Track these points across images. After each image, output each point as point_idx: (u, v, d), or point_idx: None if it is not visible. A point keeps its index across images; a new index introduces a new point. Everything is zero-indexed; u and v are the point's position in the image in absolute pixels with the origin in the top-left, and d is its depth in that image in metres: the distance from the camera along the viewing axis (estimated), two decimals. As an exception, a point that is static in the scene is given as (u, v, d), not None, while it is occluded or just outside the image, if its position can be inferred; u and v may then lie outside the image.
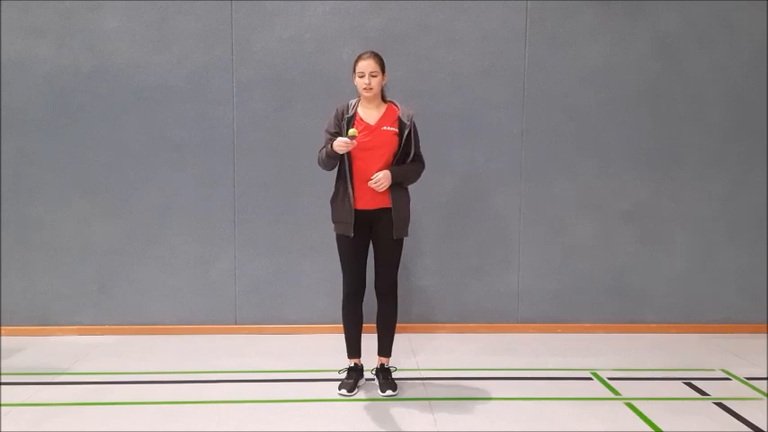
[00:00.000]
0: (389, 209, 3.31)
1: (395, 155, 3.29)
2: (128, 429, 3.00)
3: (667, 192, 4.47)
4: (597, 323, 4.51)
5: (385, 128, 3.28)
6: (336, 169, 3.35)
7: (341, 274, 3.32)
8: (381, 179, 3.22)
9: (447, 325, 4.47)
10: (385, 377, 3.47)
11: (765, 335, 4.45)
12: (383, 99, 3.37)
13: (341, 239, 3.38)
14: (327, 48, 4.29)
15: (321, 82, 4.30)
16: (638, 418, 3.15)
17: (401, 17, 4.30)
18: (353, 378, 3.47)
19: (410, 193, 3.42)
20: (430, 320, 4.48)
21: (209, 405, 3.27)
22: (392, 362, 3.90)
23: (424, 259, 4.44)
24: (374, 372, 3.54)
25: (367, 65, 3.23)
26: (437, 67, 4.33)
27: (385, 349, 3.52)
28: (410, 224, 3.42)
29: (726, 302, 4.53)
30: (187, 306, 4.39)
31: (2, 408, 3.19)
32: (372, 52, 3.28)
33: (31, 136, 4.24)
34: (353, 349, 3.51)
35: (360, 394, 3.42)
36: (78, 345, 4.16)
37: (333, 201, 3.39)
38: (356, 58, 3.28)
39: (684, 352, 4.15)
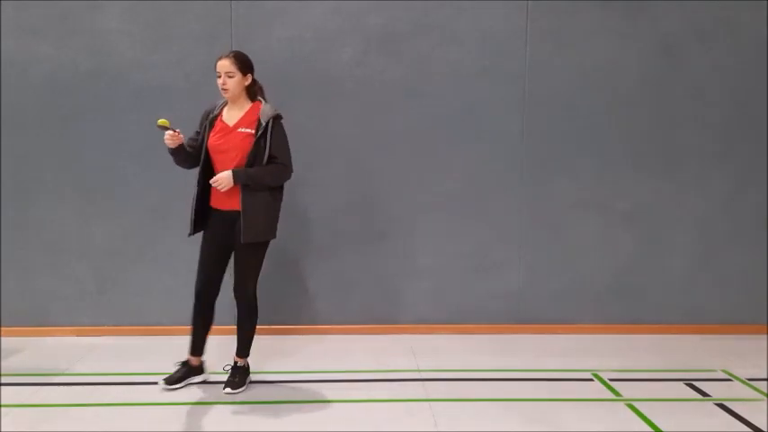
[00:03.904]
0: (239, 211, 3.24)
1: (248, 156, 3.23)
2: (127, 430, 3.00)
3: (668, 192, 4.46)
4: (598, 324, 4.50)
5: (241, 129, 3.25)
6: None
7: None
8: (218, 179, 3.17)
9: (447, 325, 4.46)
10: (233, 374, 3.47)
11: (766, 335, 4.44)
12: (253, 98, 3.35)
13: (202, 242, 3.40)
14: (327, 48, 4.28)
15: (321, 82, 4.29)
16: (638, 418, 3.15)
17: (401, 16, 4.29)
18: (180, 373, 3.48)
19: (277, 197, 3.41)
20: (430, 320, 4.47)
21: (209, 405, 3.27)
22: (392, 361, 3.91)
23: (424, 259, 4.43)
24: (226, 368, 3.56)
25: (222, 65, 3.23)
26: (437, 67, 4.33)
27: (241, 351, 3.50)
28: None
29: (727, 303, 4.52)
30: (186, 307, 4.35)
31: (1, 408, 3.18)
32: (233, 52, 3.29)
33: (31, 136, 4.23)
34: (193, 346, 3.50)
35: (356, 395, 3.40)
36: (77, 345, 4.15)
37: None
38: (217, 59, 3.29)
39: (685, 353, 4.14)
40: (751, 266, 4.51)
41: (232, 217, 3.27)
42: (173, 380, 3.45)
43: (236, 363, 3.50)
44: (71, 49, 4.19)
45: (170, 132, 3.19)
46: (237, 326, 3.47)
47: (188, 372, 3.51)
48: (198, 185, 3.31)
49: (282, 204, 4.39)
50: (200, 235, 3.31)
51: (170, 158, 3.38)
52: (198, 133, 3.34)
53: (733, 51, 4.38)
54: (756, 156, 4.46)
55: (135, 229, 4.33)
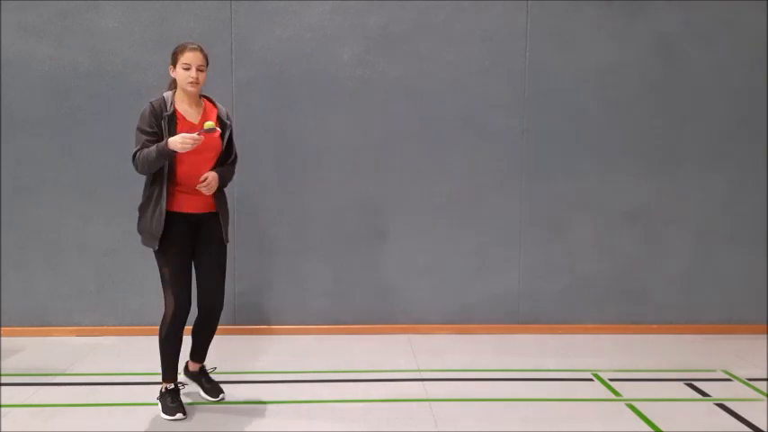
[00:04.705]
0: (215, 213, 3.14)
1: (221, 156, 3.10)
2: (127, 430, 3.00)
3: (668, 192, 4.46)
4: (598, 324, 4.50)
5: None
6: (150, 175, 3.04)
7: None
8: (211, 181, 3.00)
9: (447, 325, 4.46)
10: (209, 380, 3.36)
11: (766, 335, 4.44)
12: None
13: (167, 252, 3.04)
14: (327, 47, 4.28)
15: (321, 82, 4.29)
16: (639, 419, 3.14)
17: (401, 16, 4.29)
18: (179, 399, 3.17)
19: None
20: (430, 320, 4.47)
21: (208, 405, 3.27)
22: (392, 361, 3.91)
23: (424, 259, 4.43)
24: (190, 376, 3.37)
25: (195, 57, 2.98)
26: (437, 67, 4.32)
27: (205, 355, 3.36)
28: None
29: (727, 303, 4.52)
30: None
31: (1, 408, 3.18)
32: (199, 45, 3.04)
33: (30, 136, 4.22)
34: (176, 370, 3.18)
35: (361, 395, 3.40)
36: (77, 345, 4.15)
37: (141, 209, 3.11)
38: (179, 48, 3.00)
39: (685, 353, 4.14)
40: (751, 266, 4.51)
41: (197, 219, 3.10)
42: (183, 407, 3.14)
43: (203, 368, 3.38)
44: (71, 49, 4.19)
45: (197, 137, 2.90)
46: (205, 336, 3.29)
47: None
48: (157, 190, 3.01)
49: (283, 204, 4.41)
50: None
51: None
52: (150, 134, 2.97)
53: (733, 51, 4.38)
54: (756, 156, 4.46)
55: (135, 229, 4.31)
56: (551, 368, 3.81)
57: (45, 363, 3.83)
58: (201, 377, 3.38)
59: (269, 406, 3.26)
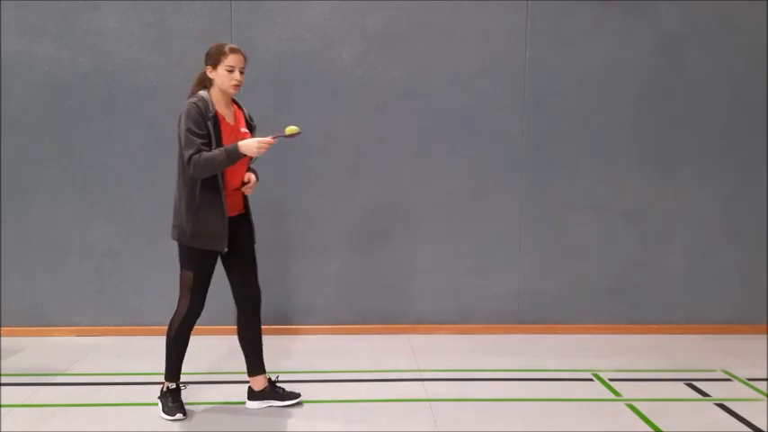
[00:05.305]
0: (244, 214, 3.15)
1: (253, 158, 3.05)
2: (127, 430, 3.00)
3: (668, 192, 4.46)
4: (598, 324, 4.50)
5: (243, 129, 3.08)
6: (186, 178, 2.98)
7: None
8: (255, 182, 3.09)
9: (447, 325, 4.46)
10: (281, 387, 3.28)
11: (766, 335, 4.44)
12: None
13: (203, 256, 3.03)
14: (327, 47, 4.28)
15: (321, 82, 4.29)
16: (638, 419, 3.14)
17: (401, 16, 4.29)
18: (180, 399, 3.15)
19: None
20: (430, 320, 4.47)
21: (209, 405, 3.27)
22: (392, 361, 3.91)
23: (424, 259, 4.43)
24: (261, 398, 3.24)
25: (239, 59, 2.97)
26: (437, 67, 4.32)
27: (263, 363, 3.25)
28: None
29: (727, 303, 4.52)
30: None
31: (1, 408, 3.18)
32: (239, 46, 3.02)
33: (30, 135, 4.22)
34: (179, 370, 3.16)
35: (361, 395, 3.40)
36: (77, 345, 4.15)
37: (196, 213, 2.96)
38: (221, 49, 2.96)
39: (685, 353, 4.14)
40: (751, 266, 4.51)
41: (232, 221, 3.07)
42: (183, 408, 3.12)
43: (270, 378, 3.29)
44: (71, 49, 4.19)
45: (271, 141, 2.89)
46: (255, 341, 3.22)
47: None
48: (204, 195, 2.95)
49: (282, 205, 4.41)
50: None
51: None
52: (203, 137, 2.90)
53: (733, 51, 4.38)
54: (756, 156, 4.45)
55: (135, 229, 4.33)
56: (551, 368, 3.81)
57: (45, 363, 3.83)
58: (272, 389, 3.26)
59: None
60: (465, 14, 4.30)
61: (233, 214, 3.09)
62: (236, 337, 3.26)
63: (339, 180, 4.36)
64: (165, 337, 3.12)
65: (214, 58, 2.97)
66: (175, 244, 3.09)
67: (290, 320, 4.44)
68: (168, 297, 4.34)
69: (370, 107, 4.32)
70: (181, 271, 3.10)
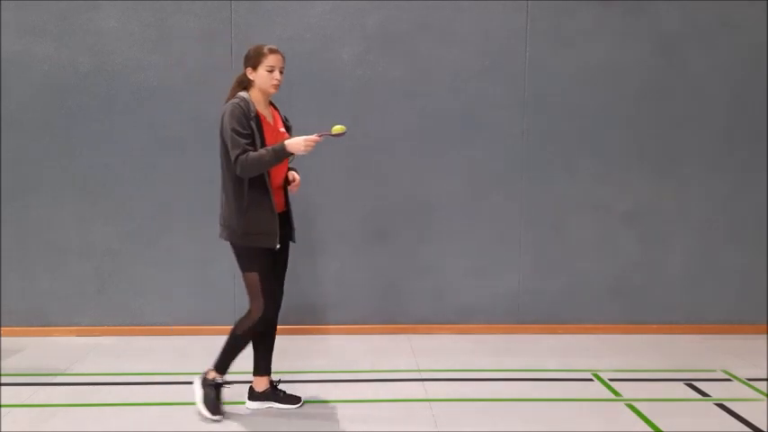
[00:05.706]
0: (285, 212, 3.16)
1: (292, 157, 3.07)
2: (127, 430, 3.00)
3: (668, 192, 4.46)
4: (598, 324, 4.50)
5: (282, 129, 3.12)
6: (233, 177, 2.97)
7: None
8: (298, 181, 3.15)
9: (447, 325, 4.46)
10: (282, 390, 3.29)
11: (766, 336, 4.44)
12: None
13: (260, 254, 3.01)
14: (327, 47, 4.28)
15: (321, 82, 4.29)
16: (638, 419, 3.14)
17: (401, 16, 4.29)
18: (221, 397, 3.16)
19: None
20: (430, 320, 4.47)
21: (208, 406, 3.27)
22: (392, 361, 3.91)
23: (424, 259, 4.43)
24: (261, 398, 3.24)
25: (279, 59, 3.01)
26: (437, 67, 4.32)
27: (271, 366, 3.29)
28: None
29: (727, 303, 4.52)
30: (186, 307, 4.38)
31: (1, 408, 3.18)
32: (277, 47, 3.05)
33: (30, 135, 4.23)
34: (229, 367, 3.16)
35: (361, 395, 3.40)
36: (77, 345, 4.15)
37: (245, 211, 2.96)
38: (260, 50, 2.99)
39: (685, 353, 4.14)
40: (751, 266, 4.51)
41: (281, 219, 3.09)
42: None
43: (272, 380, 3.30)
44: (71, 49, 4.19)
45: (317, 139, 2.93)
46: (272, 338, 3.26)
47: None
48: (252, 193, 2.96)
49: (282, 204, 4.41)
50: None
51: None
52: (247, 136, 2.90)
53: (733, 51, 4.38)
54: (756, 156, 4.46)
55: (135, 229, 4.33)
56: (551, 368, 3.81)
57: (45, 363, 3.83)
58: (273, 391, 3.26)
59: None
60: (465, 14, 4.30)
61: (279, 210, 3.10)
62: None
63: (339, 180, 4.36)
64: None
65: (254, 60, 3.01)
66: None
67: (289, 320, 4.43)
68: (168, 297, 4.37)
69: (370, 107, 4.33)
70: (243, 275, 3.07)
